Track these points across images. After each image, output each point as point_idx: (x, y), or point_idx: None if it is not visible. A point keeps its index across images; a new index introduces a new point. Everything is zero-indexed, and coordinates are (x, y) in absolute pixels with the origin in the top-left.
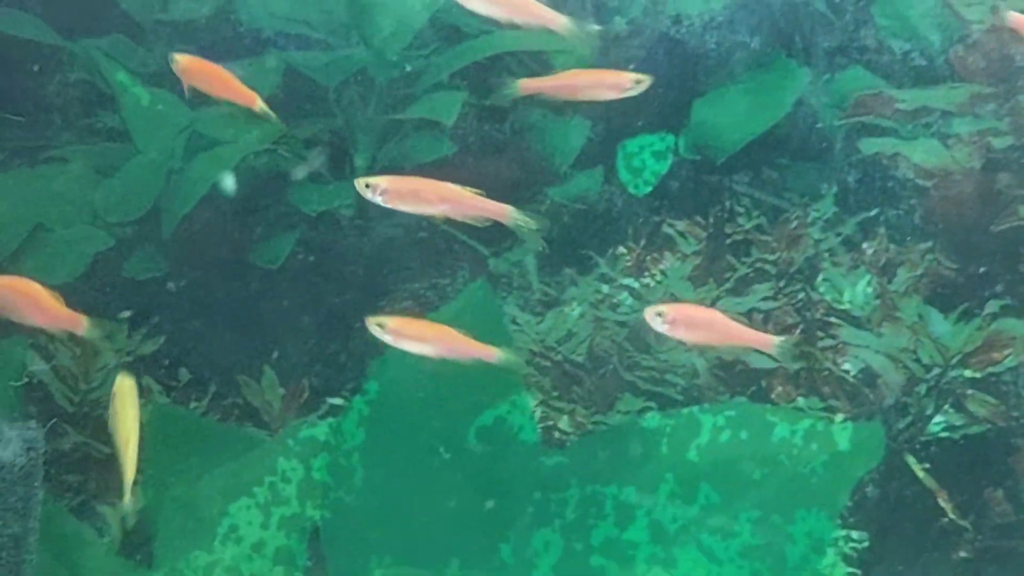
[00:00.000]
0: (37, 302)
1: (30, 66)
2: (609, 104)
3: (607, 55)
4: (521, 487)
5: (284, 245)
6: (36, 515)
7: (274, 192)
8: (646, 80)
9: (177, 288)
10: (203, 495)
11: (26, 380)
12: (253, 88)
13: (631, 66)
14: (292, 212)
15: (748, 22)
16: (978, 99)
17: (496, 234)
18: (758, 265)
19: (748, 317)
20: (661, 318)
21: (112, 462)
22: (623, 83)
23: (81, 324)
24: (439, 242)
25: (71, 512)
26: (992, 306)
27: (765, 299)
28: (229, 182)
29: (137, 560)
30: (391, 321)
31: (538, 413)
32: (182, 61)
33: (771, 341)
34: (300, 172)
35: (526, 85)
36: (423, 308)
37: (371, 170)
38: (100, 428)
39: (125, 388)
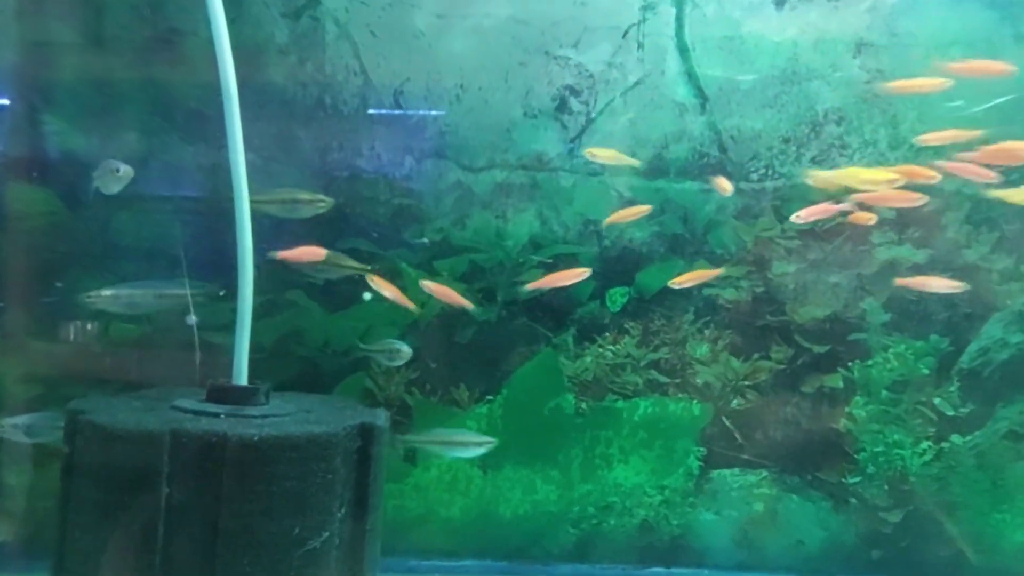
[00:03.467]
0: None
1: None
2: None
3: None
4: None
5: None
6: None
7: None
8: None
9: None
10: None
11: None
12: None
13: None
14: None
15: None
16: None
17: (555, 323)
18: (666, 340)
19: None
20: None
21: None
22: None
23: None
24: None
25: None
26: (755, 357)
27: (668, 353)
28: None
29: None
30: None
31: (573, 400)
32: None
33: None
34: None
35: None
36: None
37: None
38: None
39: None
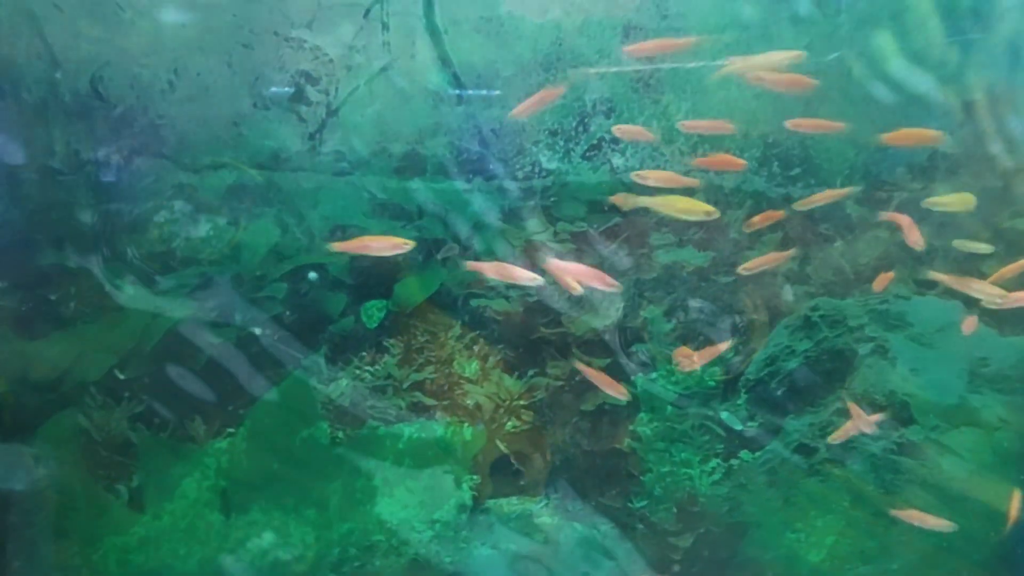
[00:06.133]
0: None
1: None
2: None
3: None
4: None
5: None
6: None
7: None
8: None
9: None
10: None
11: None
12: None
13: None
14: None
15: None
16: None
17: (304, 343)
18: (431, 358)
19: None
20: None
21: None
22: None
23: None
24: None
25: None
26: (530, 374)
27: (433, 373)
28: None
29: None
30: None
31: (328, 428)
32: None
33: None
34: None
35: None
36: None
37: None
38: None
39: None
